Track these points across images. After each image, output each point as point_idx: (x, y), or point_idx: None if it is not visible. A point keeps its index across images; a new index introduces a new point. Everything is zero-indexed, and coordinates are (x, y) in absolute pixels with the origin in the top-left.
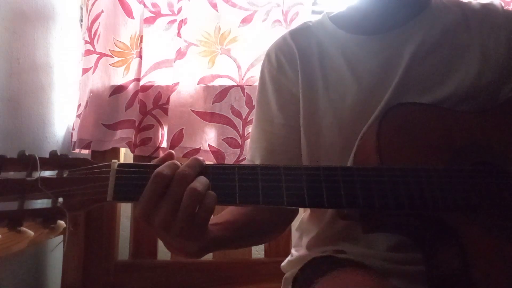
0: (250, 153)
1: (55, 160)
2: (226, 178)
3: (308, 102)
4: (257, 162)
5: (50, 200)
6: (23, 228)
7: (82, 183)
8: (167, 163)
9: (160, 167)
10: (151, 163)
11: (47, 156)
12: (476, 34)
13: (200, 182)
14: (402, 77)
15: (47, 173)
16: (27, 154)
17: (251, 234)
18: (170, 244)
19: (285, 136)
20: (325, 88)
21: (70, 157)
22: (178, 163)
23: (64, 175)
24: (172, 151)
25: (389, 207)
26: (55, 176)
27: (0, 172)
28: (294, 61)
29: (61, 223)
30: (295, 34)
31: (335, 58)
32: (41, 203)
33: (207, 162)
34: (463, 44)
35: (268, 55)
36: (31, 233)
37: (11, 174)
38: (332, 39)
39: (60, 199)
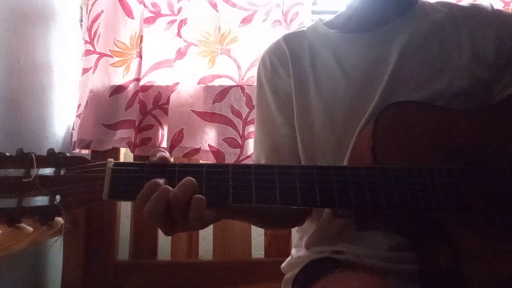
0: (255, 153)
1: (53, 158)
2: (220, 178)
3: (300, 101)
4: (263, 161)
5: (47, 198)
6: (22, 224)
7: (78, 182)
8: (148, 184)
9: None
10: (147, 162)
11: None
12: (465, 31)
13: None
14: (392, 73)
15: (45, 171)
16: (25, 152)
17: (271, 214)
18: None
19: (287, 135)
20: (316, 86)
21: (67, 155)
22: (160, 183)
23: (61, 173)
24: (166, 156)
25: (382, 207)
26: (53, 174)
27: None
28: (286, 63)
29: (59, 220)
30: (288, 38)
31: (325, 57)
32: (39, 201)
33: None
34: (453, 41)
35: (262, 59)
36: (30, 229)
37: (10, 172)
38: (323, 40)
39: (57, 197)
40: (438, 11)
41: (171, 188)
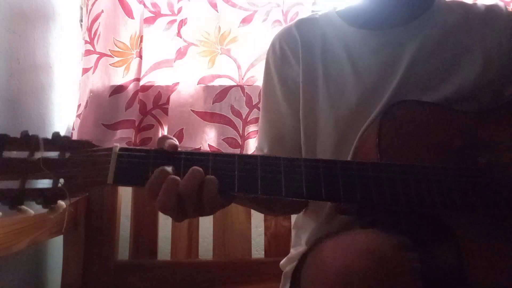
0: (258, 142)
1: (58, 141)
2: (226, 167)
3: (307, 92)
4: (265, 150)
5: (51, 181)
6: (23, 207)
7: (83, 165)
8: (157, 172)
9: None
10: (153, 148)
11: None
12: (478, 36)
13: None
14: (403, 76)
15: (50, 154)
16: (30, 134)
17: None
18: None
19: (292, 125)
20: (325, 79)
21: (72, 138)
22: (169, 171)
23: (66, 157)
24: (176, 143)
25: (387, 203)
26: (57, 157)
27: (3, 152)
28: (297, 50)
29: (61, 203)
30: (300, 24)
31: (337, 51)
32: (43, 183)
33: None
34: (465, 45)
35: (272, 44)
36: (31, 212)
37: (14, 154)
38: (336, 32)
39: (61, 180)
40: (453, 12)
41: (179, 179)
